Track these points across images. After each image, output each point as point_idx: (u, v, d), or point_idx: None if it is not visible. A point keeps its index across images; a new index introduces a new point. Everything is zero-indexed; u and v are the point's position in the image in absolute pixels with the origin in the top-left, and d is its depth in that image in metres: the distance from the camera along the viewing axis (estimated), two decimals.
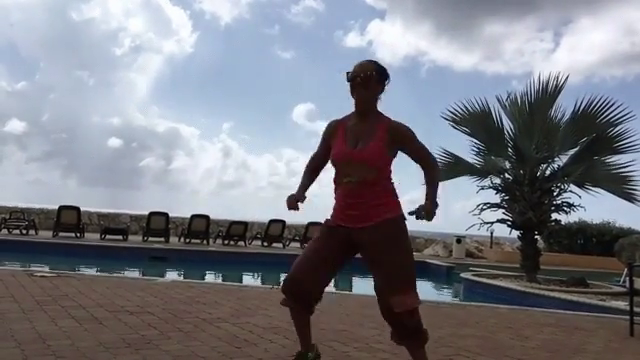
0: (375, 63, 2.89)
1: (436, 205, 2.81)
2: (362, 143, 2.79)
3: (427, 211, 2.77)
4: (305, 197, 3.03)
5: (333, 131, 2.95)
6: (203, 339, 3.73)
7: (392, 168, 2.89)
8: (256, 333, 4.04)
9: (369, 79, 2.81)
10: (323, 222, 3.01)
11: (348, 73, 2.87)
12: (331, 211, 2.97)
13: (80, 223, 15.51)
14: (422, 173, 2.90)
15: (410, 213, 2.81)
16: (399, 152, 2.89)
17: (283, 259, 14.55)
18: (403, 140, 2.85)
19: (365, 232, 2.77)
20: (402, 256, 2.76)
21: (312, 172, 3.14)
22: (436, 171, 2.94)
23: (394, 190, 2.89)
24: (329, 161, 2.98)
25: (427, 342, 2.86)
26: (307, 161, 3.15)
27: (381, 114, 2.90)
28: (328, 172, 3.04)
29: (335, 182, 2.93)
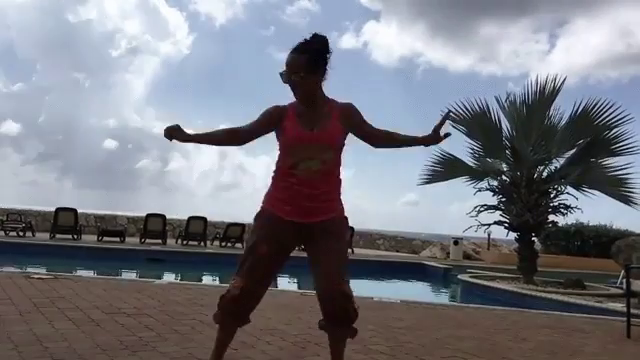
0: (307, 53, 2.62)
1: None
2: (319, 126, 2.65)
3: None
4: (188, 137, 2.63)
5: (281, 114, 2.69)
6: (200, 341, 3.72)
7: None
8: (253, 335, 4.03)
9: (302, 79, 2.62)
10: (263, 211, 2.75)
11: (282, 75, 2.66)
12: (270, 198, 2.74)
13: (77, 225, 15.48)
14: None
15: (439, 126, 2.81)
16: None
17: None
18: (353, 119, 2.76)
19: (318, 225, 2.65)
20: (345, 251, 2.77)
21: (226, 133, 2.75)
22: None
23: (340, 191, 2.81)
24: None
25: (354, 337, 2.77)
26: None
27: (328, 98, 2.75)
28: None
29: (285, 170, 2.68)
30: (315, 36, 2.66)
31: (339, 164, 2.76)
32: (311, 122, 2.66)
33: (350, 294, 2.61)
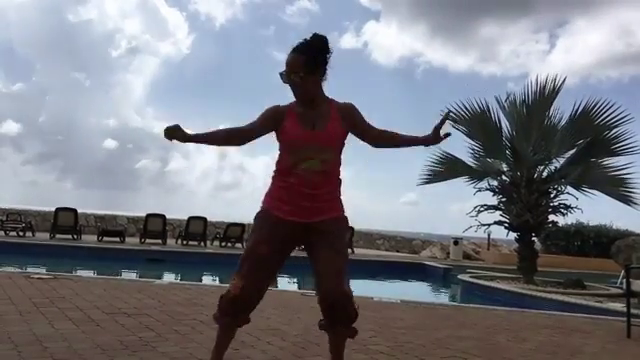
0: (306, 53, 2.63)
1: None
2: (319, 125, 2.65)
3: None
4: (189, 137, 2.60)
5: (281, 114, 2.68)
6: (200, 341, 3.72)
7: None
8: (253, 335, 4.03)
9: (301, 79, 2.62)
10: (263, 211, 2.74)
11: (282, 75, 2.66)
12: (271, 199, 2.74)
13: (77, 225, 15.48)
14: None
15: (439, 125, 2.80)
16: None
17: None
18: (353, 118, 2.76)
19: (321, 224, 2.65)
20: (346, 250, 2.78)
21: (226, 133, 2.73)
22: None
23: (340, 190, 2.81)
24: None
25: (354, 337, 2.79)
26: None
27: (327, 98, 2.76)
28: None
29: (285, 170, 2.68)
30: (315, 36, 2.67)
31: (339, 164, 2.77)
32: (311, 121, 2.66)
33: (350, 294, 2.62)
